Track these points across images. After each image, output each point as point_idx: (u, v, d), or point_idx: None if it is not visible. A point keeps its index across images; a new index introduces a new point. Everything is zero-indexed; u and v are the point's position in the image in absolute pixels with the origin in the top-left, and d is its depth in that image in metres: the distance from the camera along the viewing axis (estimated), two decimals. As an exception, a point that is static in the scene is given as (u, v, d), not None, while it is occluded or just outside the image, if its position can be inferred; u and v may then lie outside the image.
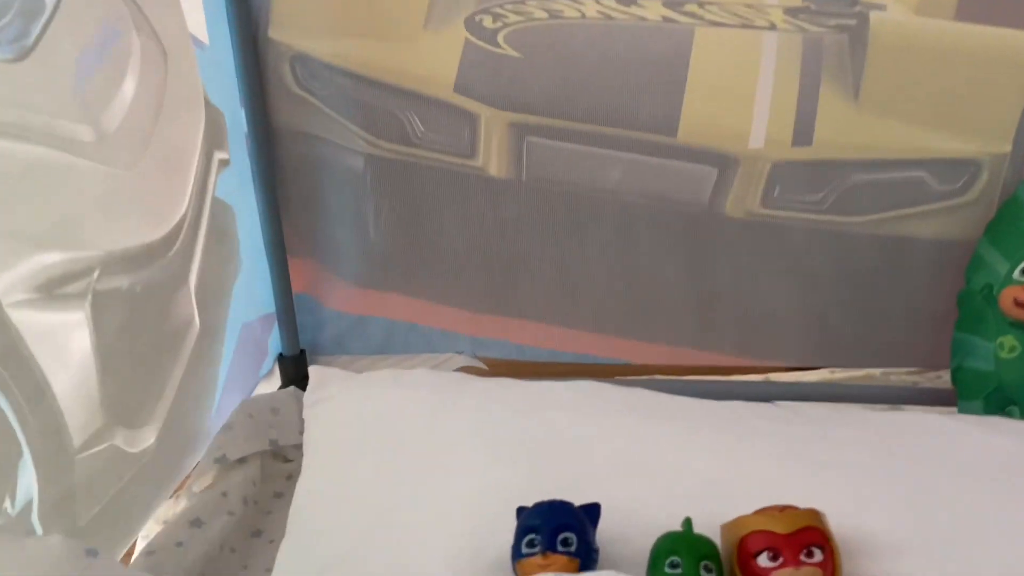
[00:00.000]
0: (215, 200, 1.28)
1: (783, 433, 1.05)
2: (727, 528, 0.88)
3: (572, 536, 0.84)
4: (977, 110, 1.30)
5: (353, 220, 1.44)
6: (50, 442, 0.92)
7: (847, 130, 1.32)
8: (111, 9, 1.04)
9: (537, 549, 0.84)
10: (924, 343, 1.42)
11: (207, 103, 1.25)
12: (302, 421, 1.28)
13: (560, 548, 0.83)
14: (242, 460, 1.24)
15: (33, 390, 0.89)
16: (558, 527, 0.85)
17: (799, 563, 0.81)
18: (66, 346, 0.95)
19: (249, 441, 1.25)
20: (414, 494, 0.98)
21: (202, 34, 1.25)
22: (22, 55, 0.89)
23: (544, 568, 0.81)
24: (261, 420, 1.29)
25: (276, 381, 1.50)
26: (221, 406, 1.30)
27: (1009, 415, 1.23)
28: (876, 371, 1.51)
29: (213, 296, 1.28)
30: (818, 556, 0.82)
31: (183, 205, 1.20)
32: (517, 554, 0.85)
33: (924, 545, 0.87)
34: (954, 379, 1.33)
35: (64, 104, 0.95)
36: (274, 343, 1.50)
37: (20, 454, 0.88)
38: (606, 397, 1.13)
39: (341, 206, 1.44)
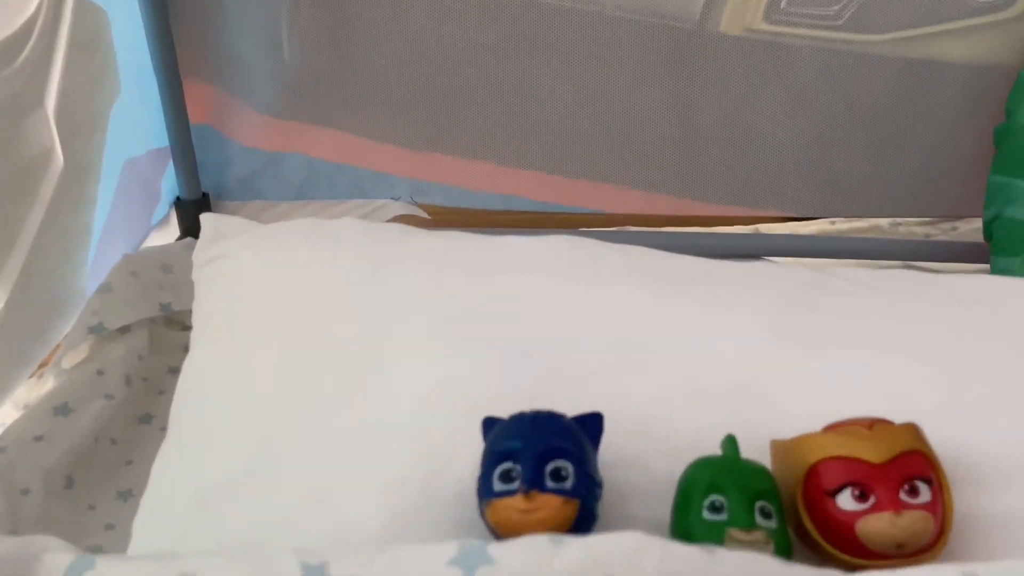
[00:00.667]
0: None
1: (837, 306, 0.81)
2: (785, 450, 0.63)
3: (567, 466, 0.57)
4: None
5: (265, 36, 1.17)
6: None
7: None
8: None
9: (516, 485, 0.57)
10: (946, 188, 1.22)
11: None
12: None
13: (550, 485, 0.56)
14: (124, 329, 0.99)
15: None
16: (547, 452, 0.57)
17: (900, 505, 0.57)
18: None
19: (133, 306, 1.01)
20: (336, 391, 0.73)
21: None
22: None
23: (528, 514, 0.55)
24: (149, 280, 1.04)
25: (173, 232, 1.24)
26: (97, 263, 1.04)
27: (1059, 275, 1.03)
28: (883, 221, 1.31)
29: (81, 124, 1.01)
30: (925, 495, 0.58)
31: (31, 1, 0.92)
32: (487, 491, 0.58)
33: None
34: (988, 231, 1.13)
35: None
36: (170, 185, 1.24)
37: None
38: (595, 257, 0.86)
39: (249, 17, 1.16)
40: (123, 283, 1.02)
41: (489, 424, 0.62)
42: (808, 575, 0.50)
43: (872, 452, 0.58)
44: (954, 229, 1.30)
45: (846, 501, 0.57)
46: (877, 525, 0.56)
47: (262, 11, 1.15)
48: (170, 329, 1.07)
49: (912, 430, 0.61)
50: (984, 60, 1.13)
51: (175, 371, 1.00)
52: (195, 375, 0.81)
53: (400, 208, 1.28)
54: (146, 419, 0.97)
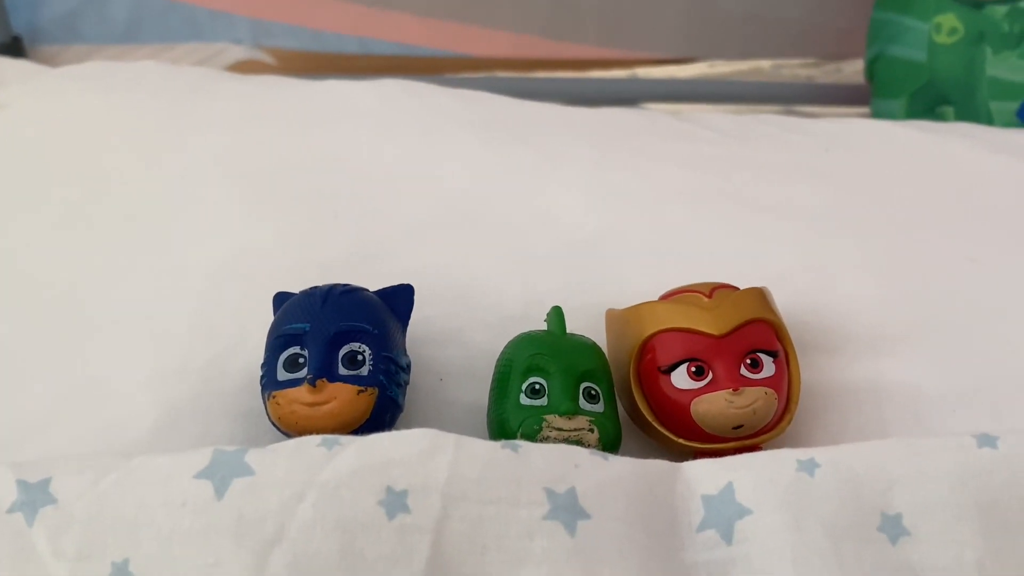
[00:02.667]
0: None
1: (694, 157, 0.73)
2: (620, 321, 0.55)
3: (363, 349, 0.49)
4: None
5: None
6: None
7: None
8: None
9: (303, 374, 0.48)
10: (828, 27, 1.16)
11: None
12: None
13: (342, 371, 0.48)
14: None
15: None
16: (338, 334, 0.49)
17: (739, 381, 0.50)
18: None
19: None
20: (111, 265, 0.62)
21: None
22: None
23: (315, 407, 0.47)
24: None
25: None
26: None
27: (941, 118, 0.97)
28: (765, 63, 1.23)
29: None
30: (768, 368, 0.51)
31: None
32: (270, 382, 0.49)
33: (916, 328, 0.59)
34: (869, 72, 1.06)
35: None
36: (-23, 28, 1.10)
37: None
38: (428, 103, 0.76)
39: None
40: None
41: (280, 300, 0.53)
42: (625, 470, 0.44)
43: (711, 323, 0.51)
44: (838, 71, 1.23)
45: (681, 379, 0.51)
46: (712, 405, 0.50)
47: None
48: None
49: (758, 296, 0.54)
50: None
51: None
52: None
53: (242, 52, 1.16)
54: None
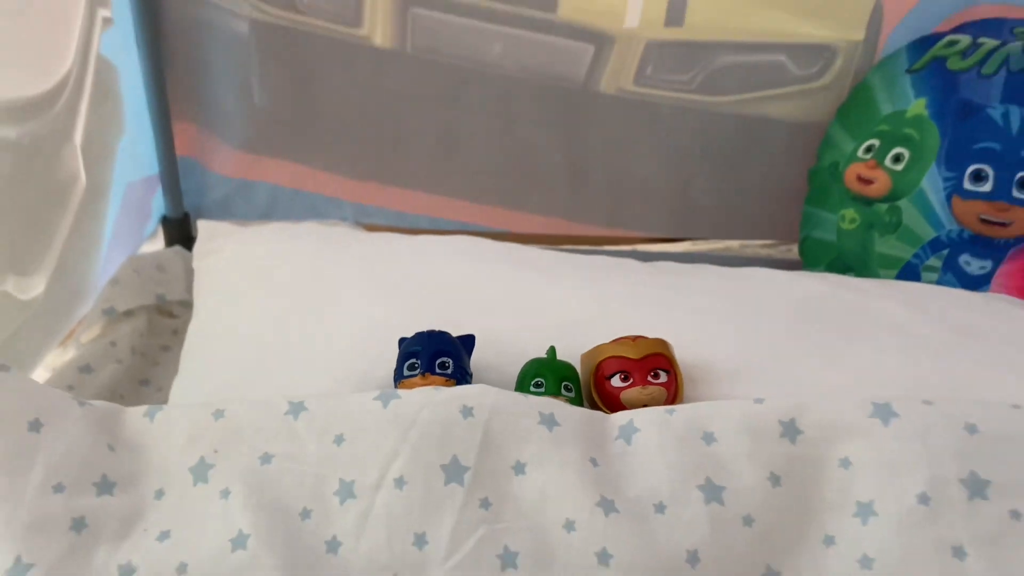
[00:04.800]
0: (99, 58, 1.28)
1: (643, 282, 1.14)
2: (586, 355, 0.96)
3: (449, 360, 0.90)
4: (832, -2, 1.39)
5: (238, 85, 1.46)
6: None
7: (716, 13, 1.39)
8: None
9: (417, 371, 0.89)
10: (780, 217, 1.53)
11: (90, -43, 1.24)
12: (187, 279, 1.32)
13: (438, 371, 0.89)
14: (129, 313, 1.28)
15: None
16: (436, 352, 0.91)
17: (647, 383, 0.90)
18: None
19: (136, 295, 1.29)
20: (302, 330, 1.03)
21: None
22: None
23: (423, 385, 0.87)
24: (147, 276, 1.33)
25: (160, 244, 1.52)
26: (108, 261, 1.33)
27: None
28: (735, 243, 1.63)
29: (98, 154, 1.30)
30: (663, 378, 0.91)
31: (67, 61, 1.20)
32: (399, 376, 0.91)
33: (755, 371, 0.97)
34: (801, 249, 1.45)
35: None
36: (158, 205, 1.52)
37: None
38: (482, 248, 1.20)
39: (226, 70, 1.45)
40: (128, 278, 1.30)
41: (402, 340, 0.97)
42: (581, 410, 0.81)
43: (633, 353, 0.93)
44: (790, 251, 1.62)
45: (616, 381, 0.92)
46: (632, 394, 0.91)
47: (237, 65, 1.44)
48: (161, 316, 1.35)
49: (661, 342, 0.95)
50: (802, 118, 1.46)
51: (166, 348, 1.29)
52: (198, 328, 1.10)
53: (347, 227, 1.57)
54: (145, 383, 1.25)
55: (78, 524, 0.69)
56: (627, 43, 1.42)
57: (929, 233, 1.28)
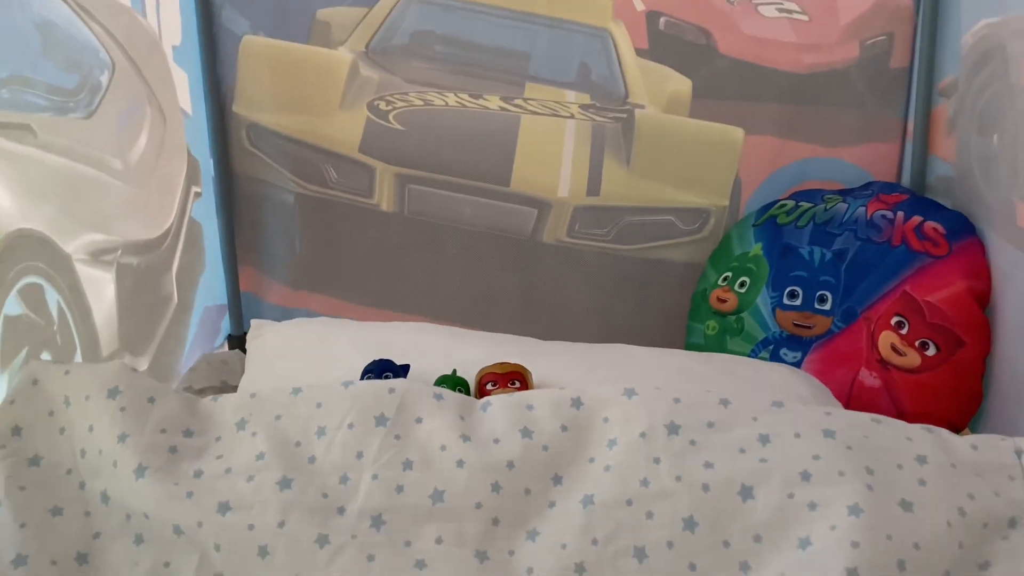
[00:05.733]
0: (191, 219, 1.89)
1: (536, 345, 1.66)
2: (476, 374, 1.45)
3: (391, 374, 1.41)
4: (706, 176, 1.96)
5: (285, 239, 2.06)
6: (89, 349, 1.52)
7: (622, 186, 1.97)
8: (135, 89, 1.67)
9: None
10: (674, 329, 2.03)
11: (188, 153, 1.87)
12: (243, 370, 1.88)
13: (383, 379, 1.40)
14: (202, 390, 1.83)
15: (83, 311, 1.49)
16: (383, 369, 1.41)
17: (507, 387, 1.39)
18: (101, 292, 1.55)
19: (207, 378, 1.84)
20: (315, 373, 1.54)
21: (187, 107, 1.88)
22: (89, 115, 1.51)
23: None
24: (216, 367, 1.89)
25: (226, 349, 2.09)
26: (188, 357, 1.90)
27: (709, 371, 1.87)
28: (650, 356, 2.14)
29: (186, 283, 1.88)
30: (518, 385, 1.41)
31: (171, 218, 1.81)
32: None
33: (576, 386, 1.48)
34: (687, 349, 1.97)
35: (108, 145, 1.57)
36: (225, 327, 2.10)
37: (74, 350, 1.48)
38: (435, 328, 1.75)
39: (277, 229, 2.05)
40: (202, 367, 1.86)
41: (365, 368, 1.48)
42: (460, 396, 1.32)
43: (500, 370, 1.43)
44: (693, 361, 2.13)
45: (489, 387, 1.42)
46: (496, 393, 1.39)
47: (285, 225, 2.04)
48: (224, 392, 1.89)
49: (520, 366, 1.45)
50: (689, 260, 2.00)
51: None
52: (247, 381, 1.63)
53: (345, 320, 2.12)
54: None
55: (172, 449, 1.21)
56: (561, 207, 1.99)
57: (761, 335, 1.80)
